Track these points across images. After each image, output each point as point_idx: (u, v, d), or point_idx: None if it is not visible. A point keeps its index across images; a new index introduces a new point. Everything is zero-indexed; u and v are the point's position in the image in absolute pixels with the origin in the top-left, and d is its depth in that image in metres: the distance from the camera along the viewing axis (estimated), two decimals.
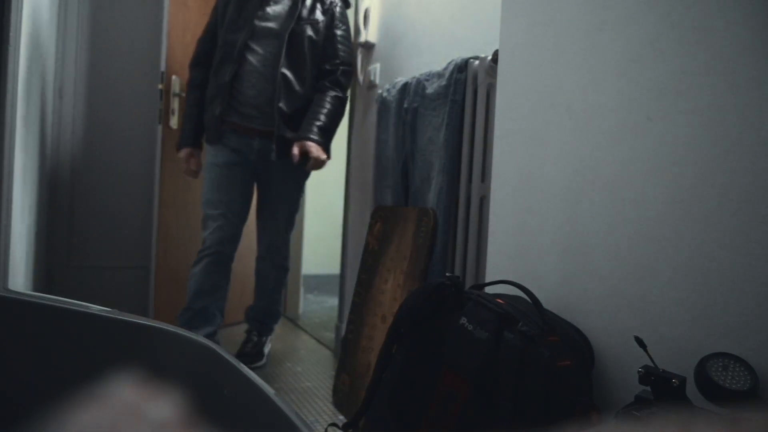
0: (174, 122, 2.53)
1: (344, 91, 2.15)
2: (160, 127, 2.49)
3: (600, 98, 1.03)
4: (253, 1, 2.06)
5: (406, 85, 1.79)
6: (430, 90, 1.66)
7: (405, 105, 1.77)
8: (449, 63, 1.61)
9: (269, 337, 2.36)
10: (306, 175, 2.26)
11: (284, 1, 2.09)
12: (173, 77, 2.49)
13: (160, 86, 2.48)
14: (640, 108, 0.95)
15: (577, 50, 1.08)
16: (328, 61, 2.11)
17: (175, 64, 2.49)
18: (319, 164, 2.06)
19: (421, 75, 1.74)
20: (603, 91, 1.03)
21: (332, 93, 2.08)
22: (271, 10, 2.06)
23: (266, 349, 2.32)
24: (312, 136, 2.00)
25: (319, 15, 2.09)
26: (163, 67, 2.46)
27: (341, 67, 2.12)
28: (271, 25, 2.04)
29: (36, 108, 2.21)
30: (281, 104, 2.01)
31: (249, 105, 2.03)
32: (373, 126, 2.06)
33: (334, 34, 2.11)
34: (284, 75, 2.01)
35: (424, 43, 1.99)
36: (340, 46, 2.13)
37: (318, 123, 2.02)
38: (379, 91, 1.99)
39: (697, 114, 0.86)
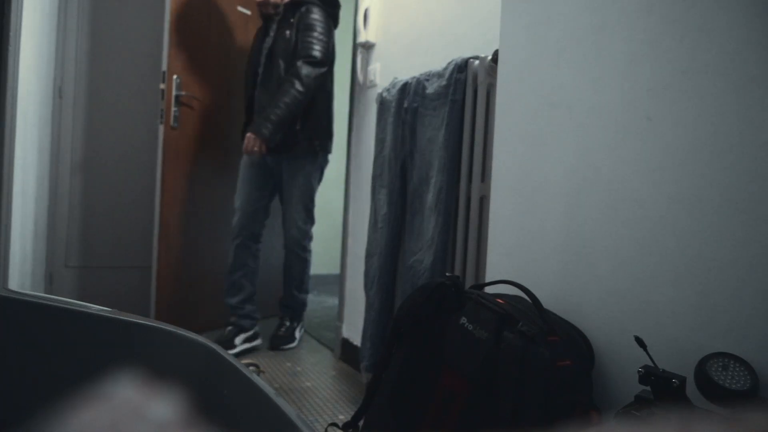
0: (174, 122, 2.52)
1: (302, 79, 2.33)
2: (161, 127, 2.49)
3: (600, 98, 1.03)
4: (260, 35, 2.52)
5: (406, 85, 1.78)
6: (430, 90, 1.66)
7: (405, 105, 1.76)
8: (449, 63, 1.61)
9: (300, 323, 2.69)
10: (315, 170, 2.50)
11: (272, 26, 2.47)
12: (174, 77, 2.49)
13: (161, 86, 2.48)
14: (640, 108, 0.95)
15: (577, 50, 1.08)
16: (296, 58, 2.36)
17: (176, 63, 2.49)
18: (250, 152, 2.35)
19: (421, 75, 1.74)
20: (603, 91, 1.03)
21: (286, 85, 2.32)
22: (268, 38, 2.47)
23: (298, 334, 2.65)
24: (255, 129, 2.33)
25: (287, 29, 2.39)
26: (164, 67, 2.45)
27: (302, 59, 2.33)
28: (265, 51, 2.45)
29: (36, 108, 2.21)
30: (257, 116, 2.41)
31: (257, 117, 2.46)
32: (373, 126, 2.06)
33: (300, 36, 2.38)
34: (258, 93, 2.44)
35: (424, 43, 1.99)
36: (308, 42, 2.36)
37: (263, 117, 2.33)
38: (379, 90, 1.99)
39: (697, 114, 0.86)
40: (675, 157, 0.89)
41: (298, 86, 2.30)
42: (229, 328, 2.46)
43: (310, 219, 2.54)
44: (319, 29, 2.38)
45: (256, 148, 2.32)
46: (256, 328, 2.53)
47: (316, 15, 2.40)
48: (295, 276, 2.58)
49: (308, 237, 2.56)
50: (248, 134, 2.33)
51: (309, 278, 2.66)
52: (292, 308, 2.64)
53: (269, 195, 2.56)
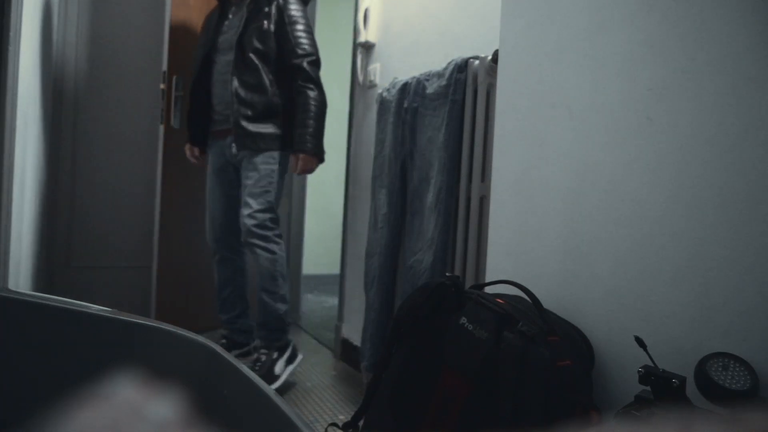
0: (176, 122, 2.52)
1: (317, 83, 2.18)
2: (161, 127, 2.49)
3: (600, 98, 1.03)
4: (215, 18, 2.27)
5: (406, 85, 1.78)
6: (430, 90, 1.66)
7: (405, 105, 1.76)
8: (449, 63, 1.61)
9: (286, 351, 2.09)
10: (283, 163, 2.21)
11: (239, 12, 2.22)
12: (174, 77, 2.49)
13: (161, 86, 2.48)
14: (640, 108, 0.95)
15: (577, 50, 1.08)
16: (290, 56, 2.14)
17: (176, 63, 2.49)
18: (308, 171, 2.14)
19: (421, 75, 1.74)
20: (603, 91, 1.03)
21: (309, 92, 2.13)
22: (229, 22, 2.23)
23: (282, 367, 2.05)
24: (303, 147, 2.07)
25: (264, 19, 2.16)
26: (164, 67, 2.45)
27: (306, 59, 2.14)
28: (227, 36, 2.20)
29: (36, 108, 2.21)
30: (235, 107, 2.11)
31: (217, 113, 2.22)
32: (373, 126, 2.06)
33: (287, 30, 2.15)
34: (233, 82, 2.12)
35: (424, 43, 1.99)
36: (297, 37, 2.17)
37: (306, 131, 2.09)
38: (379, 90, 1.99)
39: (697, 114, 0.86)
40: (675, 156, 0.89)
41: (318, 91, 2.16)
42: (223, 341, 2.30)
43: (268, 208, 2.07)
44: (303, 22, 2.21)
45: (314, 167, 2.12)
46: (255, 342, 2.27)
47: (297, 5, 2.22)
48: (263, 276, 2.05)
49: (266, 227, 2.05)
50: (300, 155, 2.06)
51: (285, 280, 2.09)
52: (265, 328, 2.07)
53: (234, 201, 2.26)
